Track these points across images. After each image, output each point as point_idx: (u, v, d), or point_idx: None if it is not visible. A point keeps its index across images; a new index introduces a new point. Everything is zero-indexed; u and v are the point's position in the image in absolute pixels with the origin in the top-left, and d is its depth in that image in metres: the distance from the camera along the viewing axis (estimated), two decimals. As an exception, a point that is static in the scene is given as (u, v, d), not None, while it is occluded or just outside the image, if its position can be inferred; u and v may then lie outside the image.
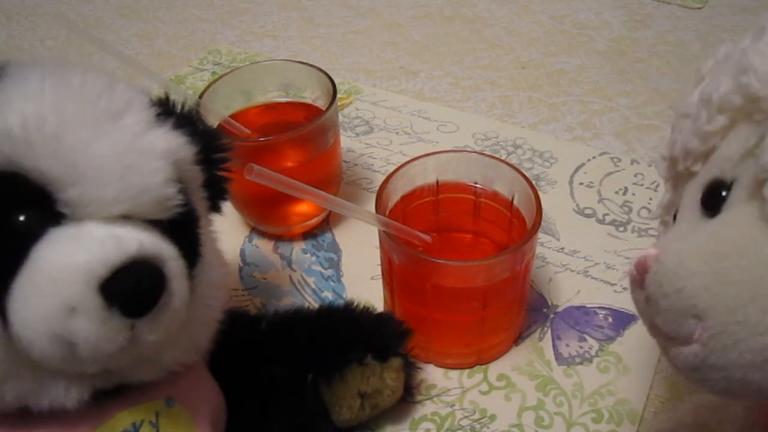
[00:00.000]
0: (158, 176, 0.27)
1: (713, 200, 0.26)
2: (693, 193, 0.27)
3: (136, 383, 0.29)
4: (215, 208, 0.36)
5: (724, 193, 0.25)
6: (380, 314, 0.40)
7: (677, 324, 0.23)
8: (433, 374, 0.43)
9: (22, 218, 0.25)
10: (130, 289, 0.25)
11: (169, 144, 0.28)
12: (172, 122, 0.30)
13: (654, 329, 0.25)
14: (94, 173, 0.25)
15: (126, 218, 0.26)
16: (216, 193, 0.35)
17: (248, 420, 0.35)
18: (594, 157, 0.58)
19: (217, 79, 0.49)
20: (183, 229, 0.29)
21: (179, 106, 0.33)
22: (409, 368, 0.39)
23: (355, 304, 0.40)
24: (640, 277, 0.25)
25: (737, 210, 0.24)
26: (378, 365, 0.37)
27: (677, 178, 0.31)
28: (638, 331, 0.45)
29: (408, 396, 0.40)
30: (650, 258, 0.24)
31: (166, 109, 0.31)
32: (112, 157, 0.26)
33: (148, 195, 0.27)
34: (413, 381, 0.41)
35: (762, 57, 0.24)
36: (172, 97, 0.33)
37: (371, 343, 0.37)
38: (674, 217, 0.29)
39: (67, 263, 0.25)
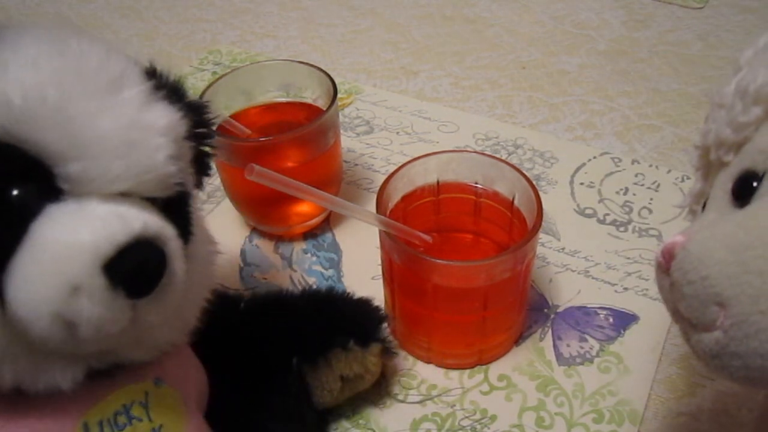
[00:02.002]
0: (161, 153, 0.26)
1: (743, 191, 0.26)
2: (724, 183, 0.28)
3: (128, 363, 0.28)
4: (199, 184, 0.35)
5: (754, 184, 0.26)
6: (360, 300, 0.40)
7: (700, 311, 0.23)
8: (433, 374, 0.43)
9: (18, 193, 0.24)
10: (135, 269, 0.24)
11: (169, 120, 0.27)
12: (164, 95, 0.28)
13: (677, 315, 0.25)
14: (98, 148, 0.24)
15: (125, 196, 0.26)
16: (200, 168, 0.34)
17: (231, 401, 0.35)
18: (594, 157, 0.58)
19: (217, 79, 0.49)
20: (177, 207, 0.28)
21: (167, 79, 0.31)
22: (387, 353, 0.40)
23: (335, 289, 0.41)
24: (665, 263, 0.25)
25: (766, 201, 0.24)
26: (360, 350, 0.38)
27: (708, 167, 0.31)
28: (639, 331, 0.45)
29: (383, 380, 0.42)
30: (677, 245, 0.24)
31: (158, 83, 0.30)
32: (116, 132, 0.25)
33: (151, 173, 0.26)
34: (388, 366, 0.42)
35: None
36: (159, 68, 0.31)
37: (353, 328, 0.38)
38: (703, 207, 0.30)
39: (72, 241, 0.24)
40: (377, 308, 0.40)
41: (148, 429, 0.28)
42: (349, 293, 0.41)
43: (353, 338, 0.38)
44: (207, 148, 0.34)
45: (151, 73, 0.30)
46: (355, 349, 0.38)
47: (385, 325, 0.40)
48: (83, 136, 0.24)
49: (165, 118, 0.27)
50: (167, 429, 0.29)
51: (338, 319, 0.38)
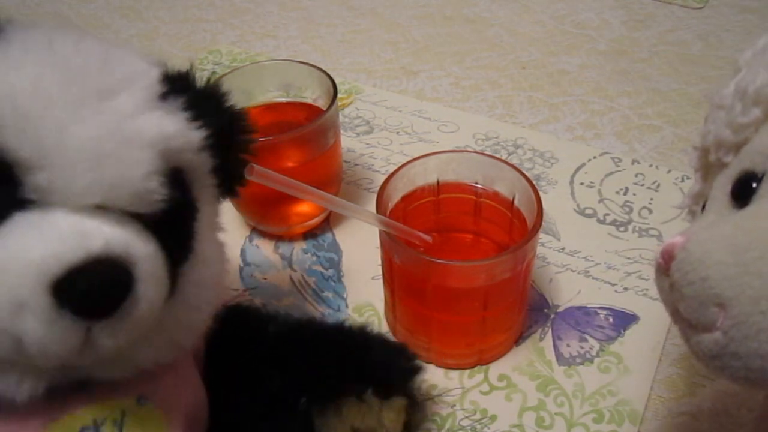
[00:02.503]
0: (139, 168, 0.24)
1: (743, 192, 0.26)
2: (723, 184, 0.28)
3: (101, 380, 0.27)
4: (230, 193, 0.33)
5: (754, 185, 0.26)
6: (394, 344, 0.37)
7: (700, 312, 0.23)
8: (433, 374, 0.43)
9: None
10: (86, 291, 0.23)
11: (162, 130, 0.26)
12: (182, 101, 0.27)
13: (676, 316, 0.25)
14: (66, 159, 0.23)
15: (102, 208, 0.24)
16: (230, 177, 0.32)
17: (233, 426, 0.33)
18: (594, 157, 0.58)
19: (217, 79, 0.49)
20: (173, 223, 0.27)
21: (198, 82, 0.30)
22: (414, 409, 0.36)
23: (369, 328, 0.37)
24: (665, 264, 0.25)
25: (766, 202, 0.24)
26: (377, 403, 0.34)
27: (708, 168, 0.31)
28: (639, 331, 0.45)
29: None
30: (676, 246, 0.24)
31: (180, 86, 0.28)
32: (90, 143, 0.24)
33: (125, 188, 0.24)
34: (416, 421, 0.39)
35: None
36: (193, 71, 0.30)
37: (376, 375, 0.34)
38: (702, 208, 0.30)
39: (20, 256, 0.23)
40: (412, 357, 0.36)
41: None
42: (384, 336, 0.37)
43: (373, 387, 0.34)
44: (240, 156, 0.32)
45: (176, 77, 0.29)
46: (371, 401, 0.34)
47: (416, 377, 0.36)
48: (51, 145, 0.23)
49: (156, 128, 0.25)
50: None
51: (363, 362, 0.35)
